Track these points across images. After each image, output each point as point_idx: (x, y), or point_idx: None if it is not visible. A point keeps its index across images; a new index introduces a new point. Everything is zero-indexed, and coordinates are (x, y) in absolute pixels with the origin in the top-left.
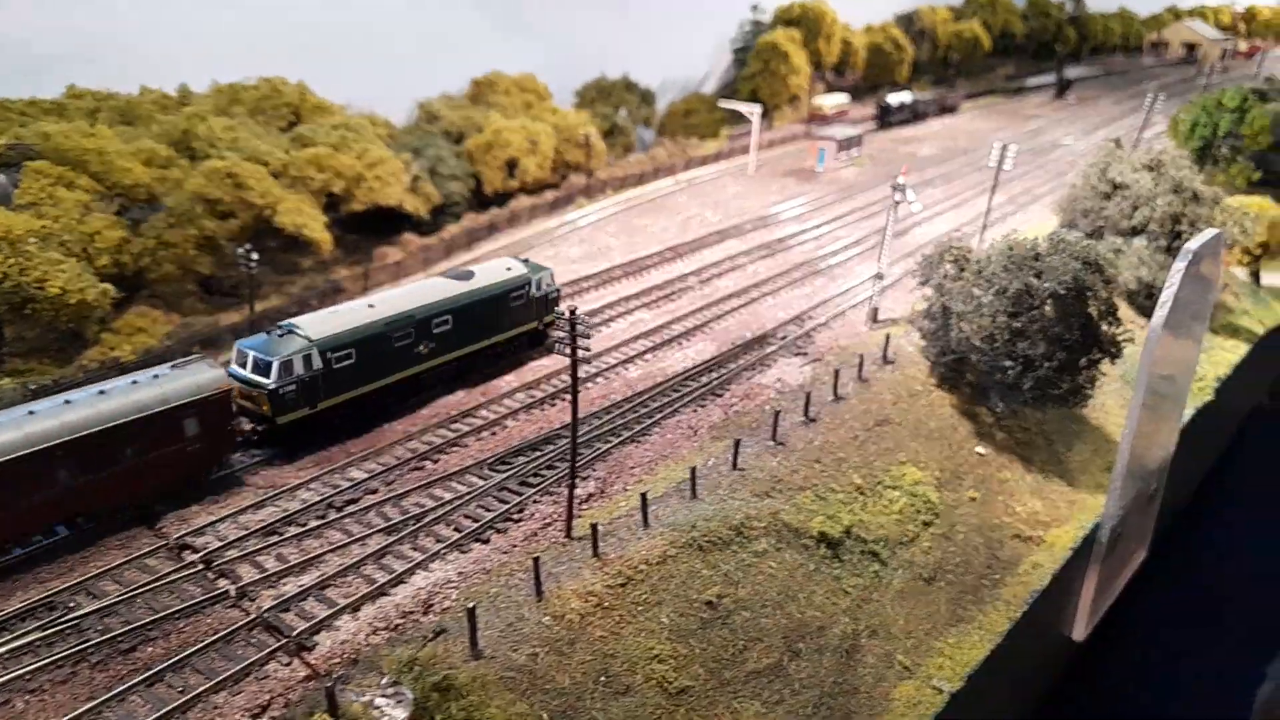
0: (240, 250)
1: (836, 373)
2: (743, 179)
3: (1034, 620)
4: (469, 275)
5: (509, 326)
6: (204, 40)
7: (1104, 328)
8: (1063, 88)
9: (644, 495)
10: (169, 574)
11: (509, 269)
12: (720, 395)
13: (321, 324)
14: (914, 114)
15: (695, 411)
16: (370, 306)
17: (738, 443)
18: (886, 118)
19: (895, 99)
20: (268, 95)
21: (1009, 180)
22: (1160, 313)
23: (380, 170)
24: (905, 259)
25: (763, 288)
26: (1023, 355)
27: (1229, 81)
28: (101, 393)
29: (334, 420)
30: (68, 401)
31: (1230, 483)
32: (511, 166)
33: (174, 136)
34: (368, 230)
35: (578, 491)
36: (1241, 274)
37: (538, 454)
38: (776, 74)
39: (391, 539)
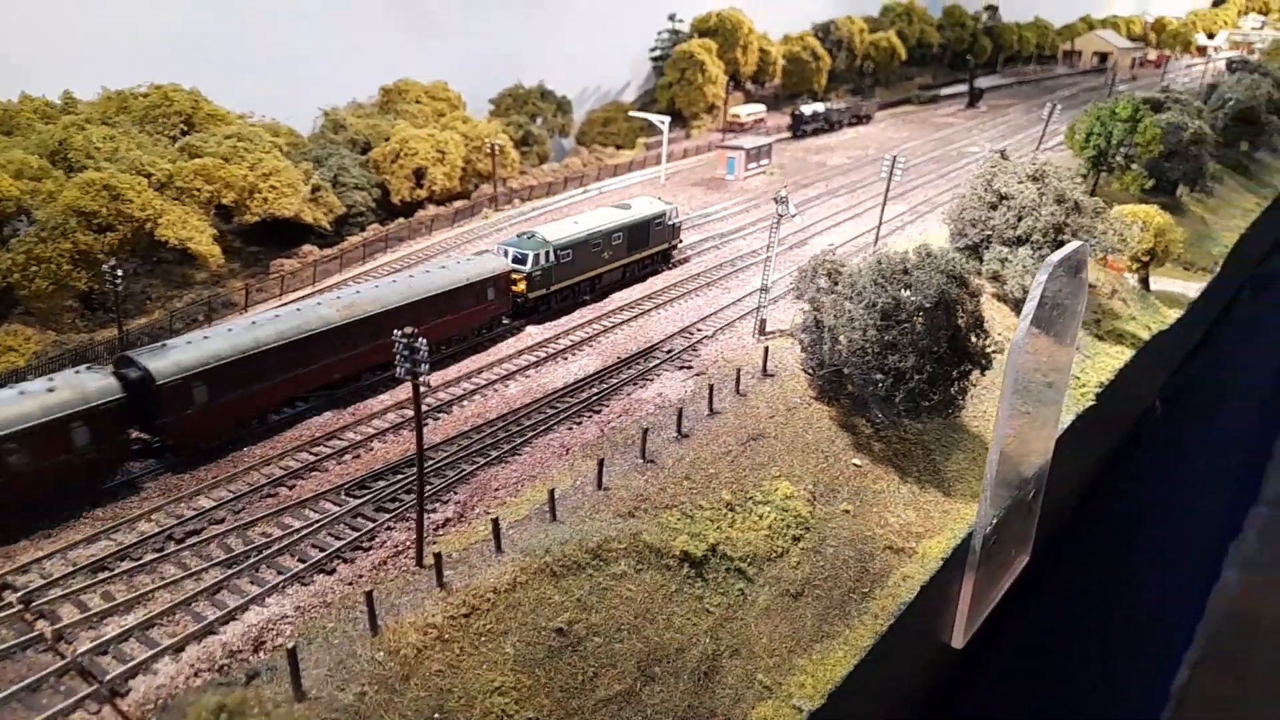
0: (106, 267)
1: (711, 387)
2: (653, 188)
3: (907, 631)
4: (629, 206)
5: (654, 244)
6: (100, 47)
7: (972, 339)
8: (975, 97)
9: (496, 520)
10: None
11: (652, 204)
12: (598, 411)
13: (552, 232)
14: (828, 123)
15: (570, 429)
16: (575, 223)
17: (601, 462)
18: (800, 127)
19: (809, 109)
20: (158, 103)
21: (911, 189)
22: (1022, 324)
23: (276, 180)
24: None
25: (656, 299)
26: (893, 368)
27: (1138, 90)
28: (444, 267)
29: (555, 301)
30: (428, 271)
31: (1119, 487)
32: (419, 176)
33: (50, 147)
34: (268, 241)
35: (435, 517)
36: (1133, 280)
37: (399, 477)
38: (693, 83)
39: (229, 572)
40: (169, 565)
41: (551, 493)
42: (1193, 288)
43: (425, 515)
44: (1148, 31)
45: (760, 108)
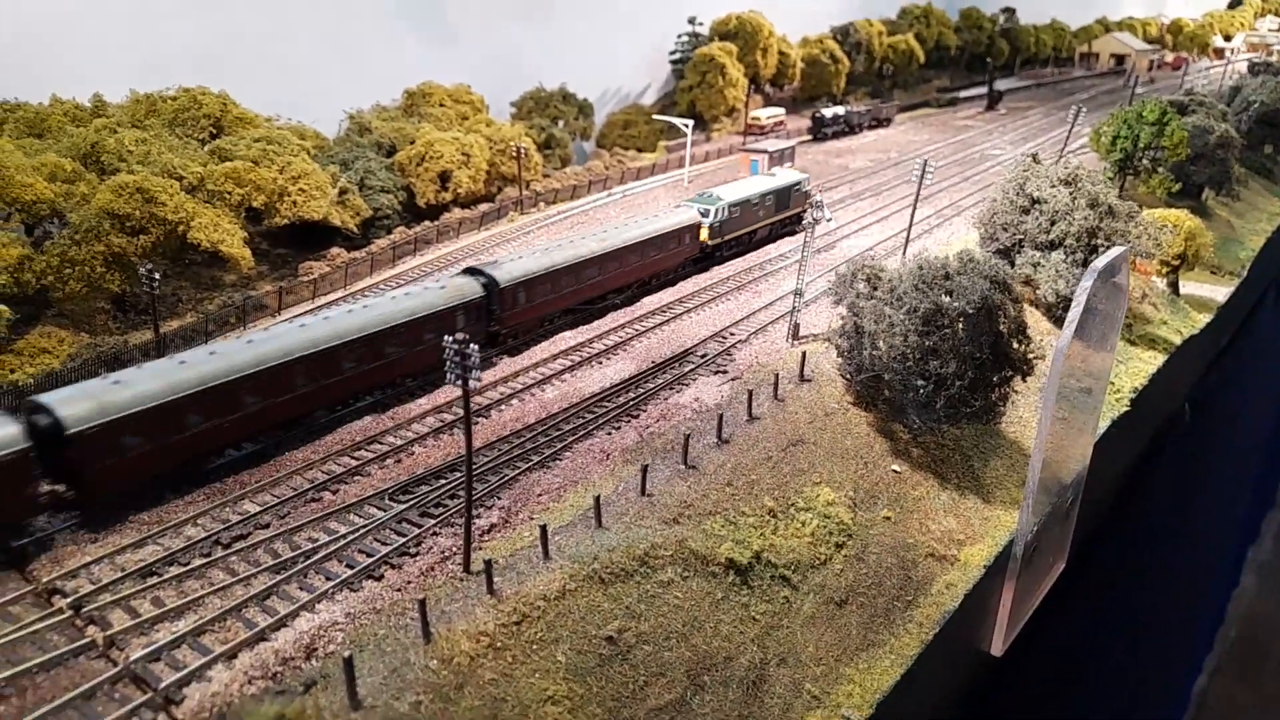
0: (143, 271)
1: (750, 393)
2: (677, 191)
3: (949, 640)
4: (774, 175)
5: (792, 208)
6: (124, 51)
7: (1014, 345)
8: (994, 99)
9: (544, 527)
10: (33, 622)
11: (791, 174)
12: (636, 416)
13: (725, 193)
14: (848, 126)
15: (609, 434)
16: (740, 187)
17: (645, 468)
18: (821, 130)
19: (829, 112)
20: (187, 106)
21: (937, 192)
22: (1066, 331)
23: (305, 184)
24: (831, 273)
25: (687, 303)
26: (935, 374)
27: (1157, 92)
28: (656, 217)
29: (725, 250)
30: (646, 219)
31: (1149, 492)
32: (445, 179)
33: (82, 150)
34: (297, 244)
35: (481, 522)
36: (1161, 284)
37: (443, 482)
38: (714, 86)
39: (279, 578)
40: (217, 571)
41: (597, 499)
42: (1221, 292)
43: (472, 521)
44: (1164, 34)
45: (780, 111)
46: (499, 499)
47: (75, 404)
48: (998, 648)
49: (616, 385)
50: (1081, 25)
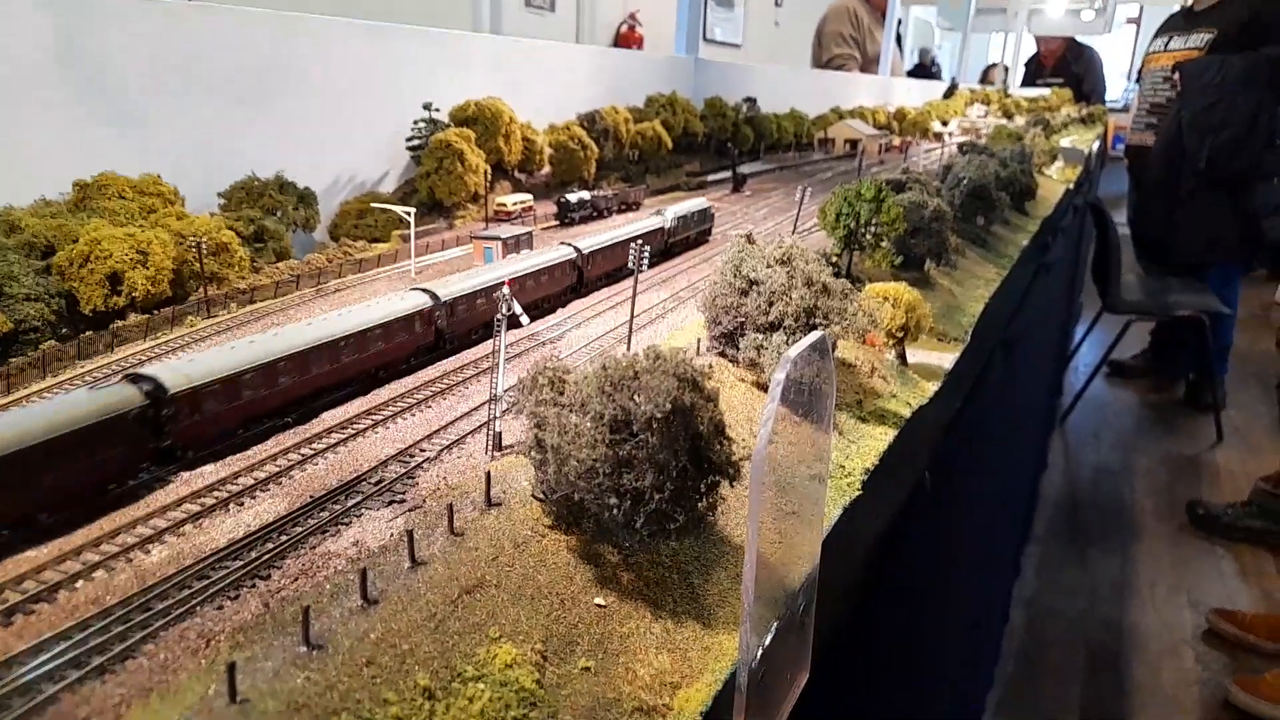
0: None
1: (410, 533)
2: (404, 282)
3: None
4: (692, 202)
5: (706, 223)
6: None
7: (716, 447)
8: (739, 182)
9: None
10: None
11: (703, 202)
12: (266, 577)
13: (671, 210)
14: (596, 210)
15: (220, 608)
16: (677, 206)
17: (232, 666)
18: (567, 214)
19: (574, 197)
20: None
21: (675, 275)
22: (764, 430)
23: None
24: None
25: (374, 415)
26: (630, 488)
27: (884, 172)
28: (654, 214)
29: (676, 248)
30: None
31: (901, 564)
32: (116, 281)
33: None
34: None
35: None
36: (891, 355)
37: None
38: (452, 173)
39: None
40: None
41: None
42: (948, 359)
43: None
44: (891, 120)
45: (527, 197)
46: None
47: None
48: None
49: (253, 534)
50: (819, 114)
